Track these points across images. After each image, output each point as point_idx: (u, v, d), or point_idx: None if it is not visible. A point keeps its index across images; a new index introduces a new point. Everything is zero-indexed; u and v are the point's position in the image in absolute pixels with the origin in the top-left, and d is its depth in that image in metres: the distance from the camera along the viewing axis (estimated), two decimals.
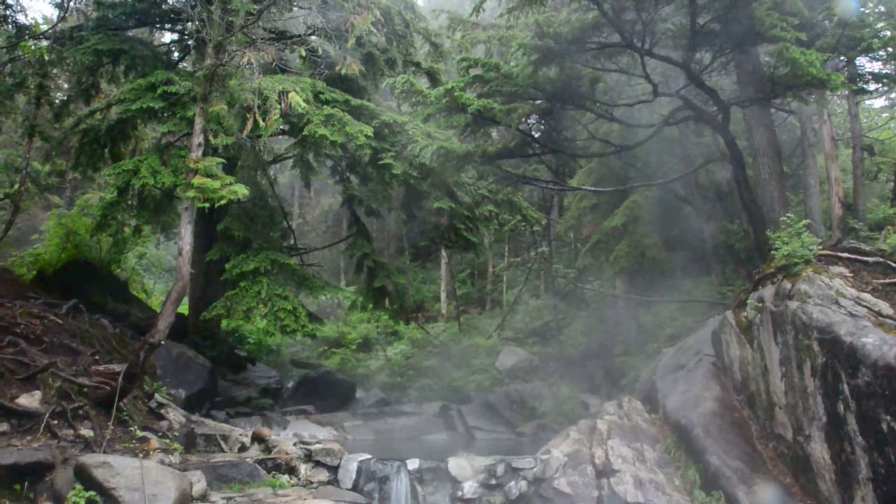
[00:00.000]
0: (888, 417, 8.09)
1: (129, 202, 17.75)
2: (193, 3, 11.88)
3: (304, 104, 14.02)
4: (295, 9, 18.35)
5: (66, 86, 22.98)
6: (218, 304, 16.14)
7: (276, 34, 17.91)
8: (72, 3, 18.55)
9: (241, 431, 12.67)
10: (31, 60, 16.37)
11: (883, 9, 15.53)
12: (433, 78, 21.33)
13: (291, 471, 11.03)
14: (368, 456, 11.39)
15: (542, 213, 25.76)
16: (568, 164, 24.59)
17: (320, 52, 17.38)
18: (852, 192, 19.31)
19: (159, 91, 14.54)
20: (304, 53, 16.53)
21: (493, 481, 10.71)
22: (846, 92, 18.27)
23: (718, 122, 14.58)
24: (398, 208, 20.78)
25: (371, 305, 20.61)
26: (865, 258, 10.60)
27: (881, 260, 10.47)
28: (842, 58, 13.97)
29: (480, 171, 19.43)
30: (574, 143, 18.52)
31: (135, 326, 16.30)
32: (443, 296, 33.74)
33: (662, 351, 15.67)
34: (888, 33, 13.18)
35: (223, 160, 11.72)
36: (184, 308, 18.99)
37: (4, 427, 9.30)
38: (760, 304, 10.74)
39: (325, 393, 20.50)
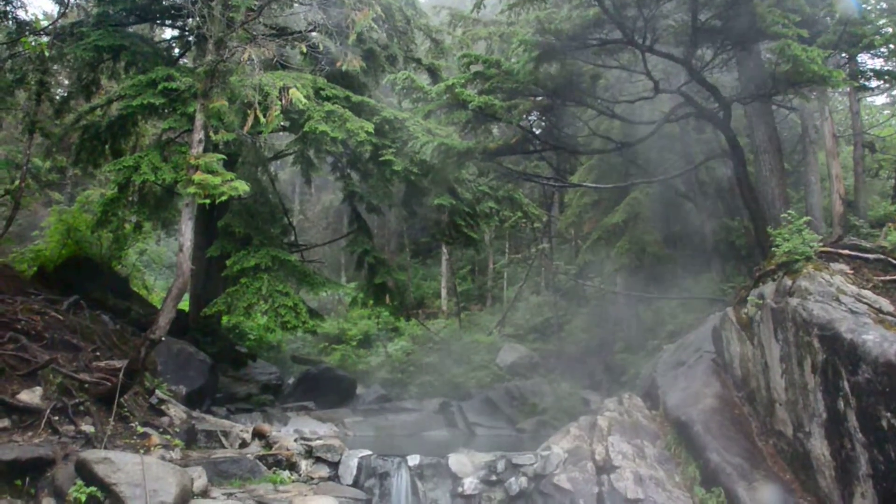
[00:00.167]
0: (888, 414, 8.10)
1: (130, 198, 17.75)
2: (194, 0, 11.87)
3: (304, 100, 14.02)
4: (296, 5, 18.32)
5: (66, 82, 22.94)
6: (219, 300, 16.16)
7: (277, 30, 17.89)
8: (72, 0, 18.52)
9: (241, 427, 12.68)
10: (32, 56, 16.34)
11: (885, 5, 15.53)
12: (434, 74, 21.31)
13: (292, 467, 11.04)
14: (369, 452, 11.41)
15: (542, 209, 25.74)
16: (569, 161, 24.58)
17: (321, 48, 17.33)
18: (853, 189, 19.30)
19: (160, 87, 14.53)
20: (304, 50, 16.45)
21: (494, 477, 10.72)
22: (847, 89, 18.28)
23: (719, 119, 14.57)
24: (399, 205, 20.76)
25: (372, 302, 20.62)
26: (866, 255, 10.59)
27: (882, 257, 10.46)
28: (843, 54, 13.95)
29: (481, 167, 19.43)
30: (575, 139, 18.51)
31: (135, 323, 16.31)
32: (443, 292, 33.75)
33: (663, 348, 15.68)
34: (890, 30, 13.16)
35: (224, 156, 11.70)
36: (184, 304, 18.99)
37: (6, 423, 9.31)
38: (761, 301, 10.74)
39: (326, 389, 20.52)
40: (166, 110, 15.22)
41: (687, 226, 21.11)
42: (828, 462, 8.96)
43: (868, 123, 25.02)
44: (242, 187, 10.78)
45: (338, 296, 31.20)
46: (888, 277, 10.07)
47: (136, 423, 10.62)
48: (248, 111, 11.78)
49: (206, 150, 11.30)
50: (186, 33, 20.44)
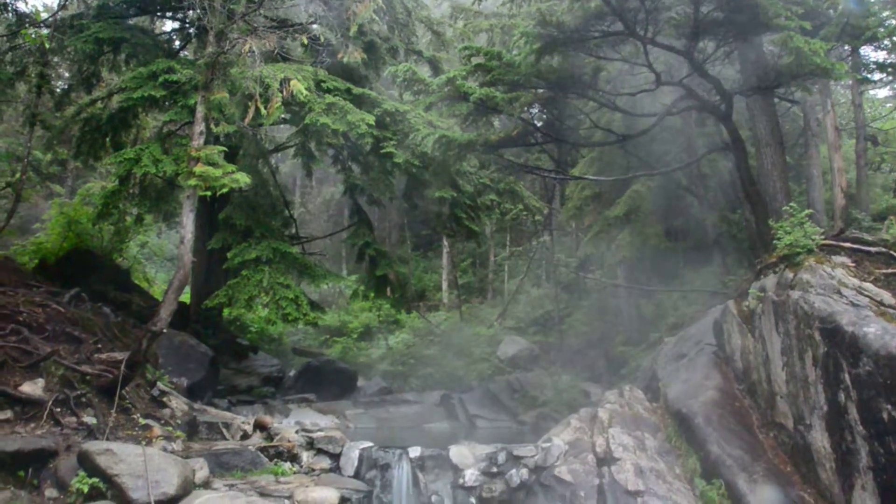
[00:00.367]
0: (889, 407, 8.11)
1: (131, 191, 17.78)
2: None
3: (305, 92, 14.02)
4: None
5: (66, 74, 22.93)
6: (220, 292, 16.17)
7: (278, 22, 17.85)
8: None
9: (243, 419, 12.71)
10: (32, 49, 16.33)
11: None
12: (435, 67, 21.27)
13: (293, 458, 11.07)
14: (370, 444, 11.42)
15: (543, 202, 25.72)
16: (570, 154, 24.53)
17: (322, 40, 17.32)
18: (855, 183, 19.27)
19: (160, 79, 14.51)
20: (305, 42, 16.49)
21: (495, 469, 10.74)
22: (850, 81, 18.24)
23: (721, 112, 14.53)
24: (400, 197, 20.76)
25: (372, 294, 20.63)
26: (868, 248, 10.58)
27: (884, 250, 10.46)
28: (846, 47, 13.91)
29: (482, 160, 19.41)
30: (576, 132, 18.48)
31: (137, 315, 16.32)
32: (444, 285, 33.76)
33: (664, 340, 15.67)
34: (893, 22, 13.14)
35: (225, 149, 11.70)
36: (185, 297, 19.00)
37: (8, 414, 9.33)
38: (762, 294, 10.74)
39: (327, 381, 20.54)
40: (167, 102, 15.21)
41: (688, 219, 21.08)
42: (828, 454, 8.98)
43: (870, 116, 24.98)
44: (243, 179, 10.77)
45: (339, 288, 31.20)
46: (890, 270, 10.06)
47: (138, 414, 10.65)
48: (249, 103, 11.77)
49: (206, 143, 11.29)
50: (187, 25, 20.41)
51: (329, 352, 26.63)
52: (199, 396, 14.85)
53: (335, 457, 11.21)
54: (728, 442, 10.04)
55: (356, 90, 17.51)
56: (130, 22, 18.68)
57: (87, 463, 8.52)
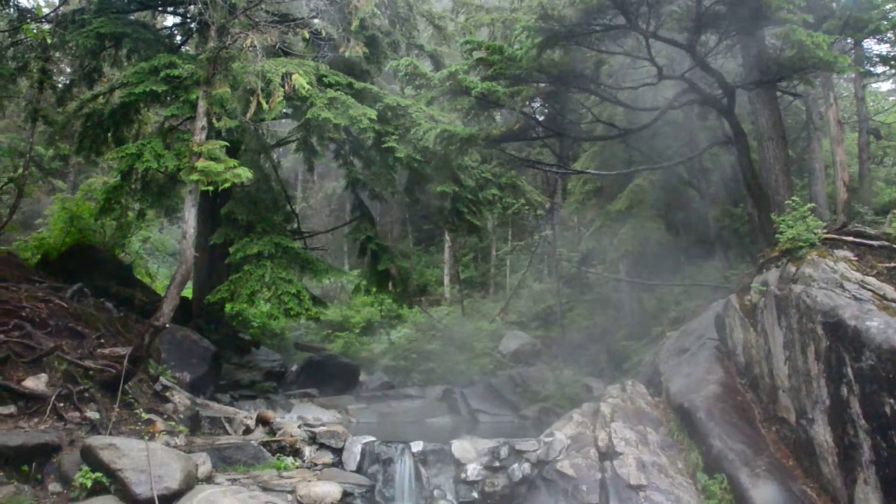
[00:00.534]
0: (891, 401, 8.10)
1: (133, 186, 17.79)
2: None
3: (307, 87, 14.00)
4: None
5: (68, 69, 22.94)
6: (222, 287, 16.18)
7: (279, 17, 17.81)
8: None
9: (245, 414, 12.75)
10: (34, 44, 16.34)
11: None
12: (437, 61, 21.25)
13: (296, 453, 11.10)
14: (372, 438, 11.44)
15: (545, 196, 25.67)
16: (572, 148, 24.47)
17: (323, 35, 17.30)
18: (858, 176, 19.24)
19: (162, 74, 14.50)
20: (307, 36, 16.44)
21: (497, 463, 10.76)
22: (853, 75, 18.17)
23: (723, 106, 14.49)
24: (401, 192, 20.76)
25: (374, 289, 20.64)
26: (870, 242, 10.56)
27: (886, 244, 10.43)
28: (849, 40, 13.87)
29: (484, 154, 19.39)
30: (578, 126, 18.43)
31: (139, 310, 16.35)
32: (446, 279, 33.77)
33: (666, 335, 15.65)
34: None
35: (226, 143, 11.70)
36: (188, 292, 19.05)
37: (11, 409, 9.37)
38: (764, 288, 10.73)
39: (329, 376, 20.57)
40: (169, 97, 15.21)
41: (690, 213, 21.06)
42: (831, 449, 8.98)
43: (873, 110, 24.93)
44: (245, 174, 10.78)
45: (341, 283, 31.25)
46: (892, 264, 10.04)
47: (141, 409, 10.68)
48: (251, 98, 11.76)
49: (208, 138, 11.30)
50: (188, 20, 20.39)
51: (331, 347, 26.66)
52: (201, 391, 14.88)
53: (337, 451, 11.24)
54: (730, 436, 10.04)
55: (358, 85, 17.49)
56: (132, 17, 18.67)
57: (90, 458, 8.54)
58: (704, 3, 12.65)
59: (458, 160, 18.66)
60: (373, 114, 16.02)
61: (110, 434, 9.48)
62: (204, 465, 9.42)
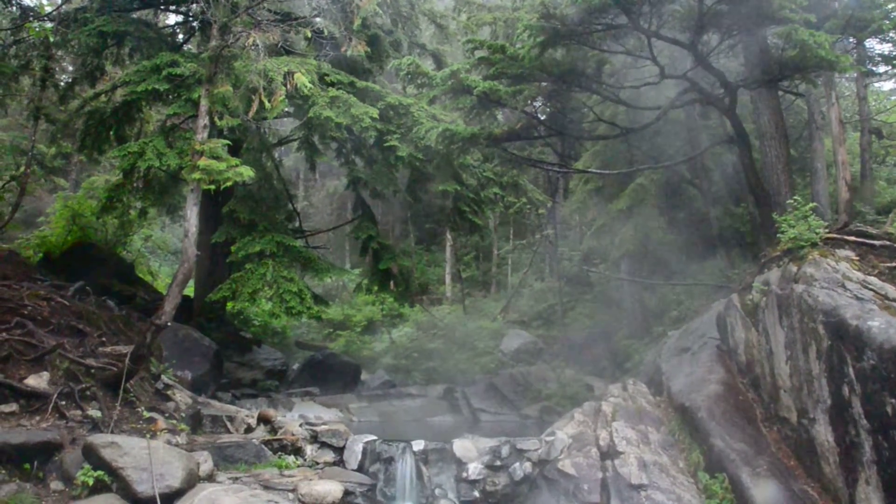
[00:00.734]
0: (893, 401, 8.09)
1: (135, 184, 17.82)
2: None
3: (309, 85, 14.01)
4: None
5: (70, 68, 22.97)
6: (223, 286, 16.19)
7: (281, 16, 17.82)
8: None
9: (246, 413, 12.75)
10: (36, 42, 16.36)
11: None
12: (438, 60, 21.26)
13: (297, 452, 11.10)
14: (374, 437, 11.45)
15: (547, 195, 25.71)
16: (573, 147, 24.46)
17: (325, 33, 17.30)
18: (860, 176, 19.21)
19: (164, 73, 14.51)
20: (309, 35, 16.47)
21: (498, 462, 10.77)
22: (855, 74, 18.14)
23: (725, 105, 14.49)
24: (403, 191, 20.76)
25: (376, 288, 20.64)
26: (872, 242, 10.54)
27: (888, 243, 10.41)
28: (851, 39, 13.84)
29: (486, 153, 19.37)
30: (580, 125, 18.44)
31: (141, 308, 16.37)
32: (448, 278, 33.78)
33: (667, 334, 15.66)
34: None
35: (228, 142, 11.71)
36: (189, 290, 19.06)
37: (13, 407, 9.38)
38: (766, 288, 10.72)
39: (331, 375, 20.59)
40: (171, 96, 15.22)
41: (692, 212, 21.05)
42: (832, 448, 8.97)
43: (875, 109, 24.91)
44: (247, 173, 10.76)
45: (342, 282, 31.25)
46: (894, 264, 10.03)
47: (143, 407, 10.68)
48: (253, 97, 11.75)
49: (210, 136, 11.28)
50: (190, 18, 20.40)
51: (332, 345, 26.68)
52: (202, 390, 14.91)
53: (339, 450, 11.25)
54: (731, 436, 10.04)
55: (360, 83, 17.50)
56: (134, 15, 18.68)
57: (92, 456, 8.55)
58: (706, 2, 12.65)
59: (459, 159, 18.67)
60: (374, 113, 16.02)
61: (112, 432, 9.48)
62: (205, 463, 9.43)
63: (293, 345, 26.98)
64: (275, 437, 11.29)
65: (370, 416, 17.08)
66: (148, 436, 9.66)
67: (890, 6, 13.38)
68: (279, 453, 10.92)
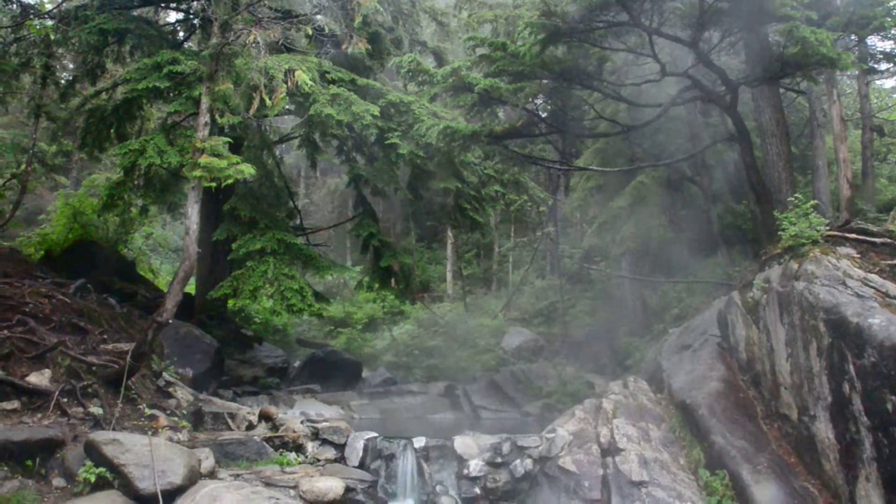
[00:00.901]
0: (893, 398, 8.10)
1: (136, 182, 17.82)
2: None
3: (310, 83, 13.99)
4: None
5: (71, 66, 22.93)
6: (224, 283, 16.19)
7: (282, 13, 17.83)
8: None
9: (248, 410, 12.75)
10: (37, 40, 16.36)
11: None
12: (439, 57, 21.24)
13: (298, 449, 11.12)
14: (375, 434, 11.47)
15: (548, 193, 25.68)
16: (574, 145, 24.48)
17: (326, 31, 17.29)
18: (861, 174, 19.19)
19: (165, 70, 14.50)
20: (310, 32, 16.45)
21: (499, 459, 10.79)
22: (856, 71, 18.12)
23: (726, 102, 14.48)
24: (404, 188, 20.75)
25: (377, 285, 20.63)
26: (873, 239, 10.55)
27: (889, 241, 10.43)
28: (853, 37, 13.83)
29: (487, 151, 19.36)
30: (581, 123, 18.42)
31: (142, 306, 16.39)
32: (449, 276, 33.77)
33: (668, 331, 15.68)
34: None
35: (229, 140, 11.71)
36: (190, 288, 19.07)
37: (15, 404, 9.40)
38: (767, 285, 10.72)
39: (332, 372, 20.61)
40: (172, 94, 15.20)
41: (693, 210, 21.05)
42: (832, 445, 8.99)
43: (877, 107, 24.89)
44: (248, 170, 10.76)
45: (343, 279, 31.26)
46: (895, 261, 10.04)
47: (144, 405, 10.70)
48: (254, 94, 11.74)
49: (211, 134, 11.28)
50: (191, 16, 20.39)
51: (334, 343, 26.69)
52: (204, 387, 14.91)
53: (340, 447, 11.26)
54: (732, 433, 10.06)
55: (360, 81, 17.48)
56: (135, 13, 18.66)
57: (93, 453, 8.57)
58: None
59: (460, 157, 18.65)
60: (375, 110, 16.02)
61: (113, 429, 9.49)
62: (207, 460, 9.44)
63: (294, 342, 27.01)
64: (276, 435, 11.31)
65: (371, 414, 17.10)
66: (149, 433, 9.67)
67: (891, 3, 13.37)
68: (280, 450, 10.94)
